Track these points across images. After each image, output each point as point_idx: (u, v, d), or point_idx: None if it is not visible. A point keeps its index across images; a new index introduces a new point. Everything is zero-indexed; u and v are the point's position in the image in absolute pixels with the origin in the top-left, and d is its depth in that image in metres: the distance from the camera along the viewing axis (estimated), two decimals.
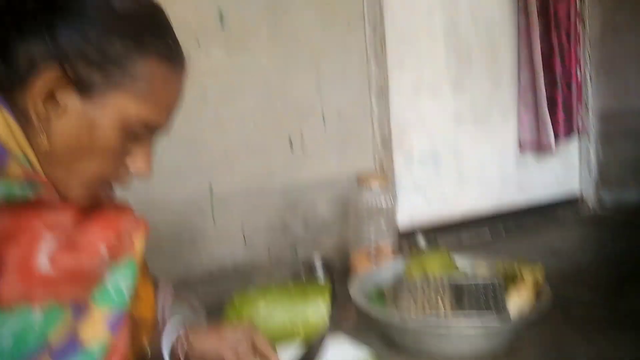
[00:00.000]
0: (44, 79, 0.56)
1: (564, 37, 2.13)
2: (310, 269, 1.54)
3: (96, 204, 0.67)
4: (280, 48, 1.67)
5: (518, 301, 1.13)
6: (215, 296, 1.51)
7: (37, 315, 0.52)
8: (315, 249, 1.76)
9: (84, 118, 0.58)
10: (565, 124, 2.13)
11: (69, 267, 0.56)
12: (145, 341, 0.78)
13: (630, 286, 1.45)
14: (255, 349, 0.87)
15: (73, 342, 0.55)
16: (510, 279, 1.19)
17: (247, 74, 1.63)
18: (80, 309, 0.58)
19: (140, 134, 0.62)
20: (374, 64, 1.83)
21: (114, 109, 0.59)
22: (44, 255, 0.54)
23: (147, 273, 0.83)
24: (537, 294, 1.15)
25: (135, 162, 0.64)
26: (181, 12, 1.51)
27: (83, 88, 0.57)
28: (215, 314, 1.30)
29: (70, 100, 0.58)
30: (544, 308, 1.08)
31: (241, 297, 1.22)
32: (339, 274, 1.57)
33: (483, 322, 1.05)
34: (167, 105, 0.64)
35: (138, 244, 0.69)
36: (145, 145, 0.65)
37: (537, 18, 2.07)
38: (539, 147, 2.15)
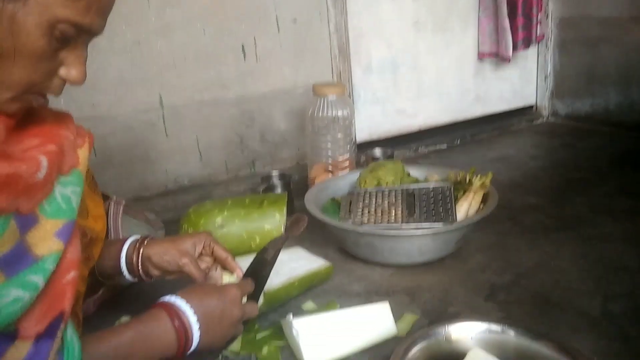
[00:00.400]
0: None
1: None
2: (268, 184, 1.53)
3: (32, 115, 0.63)
4: None
5: (466, 206, 1.17)
6: (172, 211, 1.50)
7: None
8: (273, 163, 1.75)
9: (5, 18, 0.52)
10: (524, 31, 2.10)
11: (6, 174, 0.53)
12: (96, 253, 0.77)
13: (575, 192, 1.52)
14: (213, 256, 0.88)
15: (23, 252, 0.54)
16: (460, 186, 1.22)
17: None
18: (27, 219, 0.56)
19: (71, 37, 0.57)
20: None
21: (38, 8, 0.53)
22: None
23: (95, 186, 0.80)
24: (485, 199, 1.19)
25: (67, 68, 0.59)
26: None
27: None
28: (172, 228, 1.29)
29: None
30: (490, 212, 1.12)
31: (197, 210, 1.21)
32: (297, 187, 1.57)
33: (432, 227, 1.08)
34: (98, 4, 0.57)
35: (81, 153, 0.67)
36: (77, 51, 0.60)
37: None
38: (498, 57, 2.13)
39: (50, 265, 0.55)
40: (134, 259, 0.82)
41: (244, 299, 0.78)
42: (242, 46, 1.62)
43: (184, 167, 1.61)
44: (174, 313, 0.67)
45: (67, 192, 0.62)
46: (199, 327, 0.68)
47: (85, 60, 0.61)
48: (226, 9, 1.57)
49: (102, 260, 0.82)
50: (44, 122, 0.64)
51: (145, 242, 0.84)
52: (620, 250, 1.16)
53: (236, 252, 0.98)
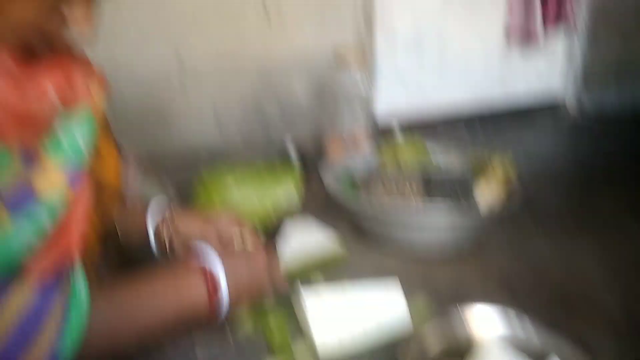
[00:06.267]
0: None
1: None
2: (283, 153, 1.50)
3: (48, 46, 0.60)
4: None
5: (488, 195, 1.13)
6: (185, 175, 1.47)
7: None
8: (289, 133, 1.72)
9: None
10: (555, 11, 2.03)
11: (14, 107, 0.51)
12: (109, 206, 0.75)
13: (600, 189, 1.47)
14: (242, 238, 0.86)
15: (27, 191, 0.52)
16: (481, 172, 1.18)
17: None
18: (30, 157, 0.54)
19: None
20: None
21: None
22: None
23: (111, 136, 0.78)
24: (507, 190, 1.15)
25: (73, 12, 0.56)
26: None
27: None
28: (184, 192, 1.27)
29: None
30: (513, 204, 1.09)
31: (210, 175, 1.19)
32: (311, 159, 1.54)
33: (451, 214, 1.05)
34: None
35: (96, 96, 0.64)
36: None
37: None
38: (527, 35, 2.05)
39: (56, 206, 0.53)
40: (163, 231, 0.82)
41: None
42: (264, 3, 1.56)
43: (198, 130, 1.58)
44: (207, 274, 0.66)
45: (74, 132, 0.59)
46: (228, 294, 0.68)
47: (93, 8, 0.57)
48: None
49: (127, 231, 0.81)
50: (57, 57, 0.61)
51: (175, 213, 0.83)
52: None
53: (248, 218, 0.96)
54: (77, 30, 0.57)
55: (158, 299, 0.60)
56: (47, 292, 0.51)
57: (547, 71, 2.27)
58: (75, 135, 0.58)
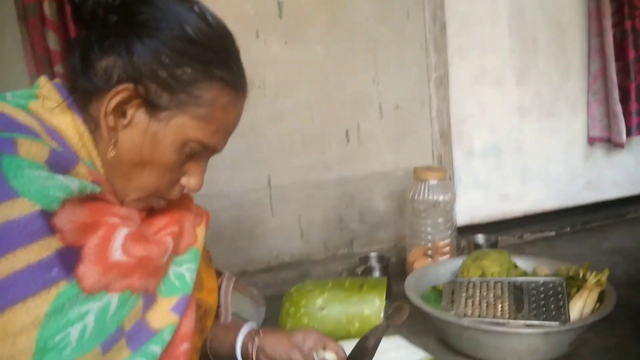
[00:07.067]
0: (117, 94, 0.60)
1: (638, 23, 1.97)
2: (366, 265, 1.54)
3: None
4: (337, 38, 1.67)
5: (580, 304, 1.09)
6: (273, 287, 1.55)
7: (113, 301, 0.56)
8: (371, 244, 1.76)
9: (148, 133, 0.62)
10: (638, 116, 2.00)
11: (141, 257, 0.59)
12: (207, 324, 0.82)
13: None
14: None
15: (143, 328, 0.59)
16: (573, 282, 1.14)
17: (304, 65, 1.64)
18: (149, 299, 0.62)
19: (197, 153, 0.65)
20: (433, 52, 1.79)
21: (176, 128, 0.62)
22: (119, 245, 0.57)
23: (210, 260, 0.87)
24: (601, 296, 1.10)
25: (188, 178, 0.68)
26: (241, 3, 1.53)
27: (151, 106, 0.61)
28: (273, 304, 1.33)
29: (138, 116, 0.62)
30: (607, 312, 1.03)
31: (299, 290, 1.24)
32: (394, 269, 1.56)
33: (543, 325, 1.02)
34: (225, 129, 0.67)
35: (199, 232, 0.74)
36: (199, 164, 0.69)
37: (608, 2, 1.93)
38: (610, 142, 2.03)
39: (167, 336, 0.60)
40: (250, 347, 0.87)
41: None
42: (346, 131, 1.71)
43: (285, 245, 1.67)
44: None
45: (182, 270, 0.67)
46: None
47: (204, 172, 0.69)
48: (333, 97, 1.68)
49: (218, 343, 0.87)
50: (169, 204, 0.72)
51: (260, 335, 0.89)
52: None
53: (334, 336, 0.99)
54: (189, 189, 0.69)
55: None
56: None
57: (636, 169, 2.19)
58: (184, 273, 0.67)
